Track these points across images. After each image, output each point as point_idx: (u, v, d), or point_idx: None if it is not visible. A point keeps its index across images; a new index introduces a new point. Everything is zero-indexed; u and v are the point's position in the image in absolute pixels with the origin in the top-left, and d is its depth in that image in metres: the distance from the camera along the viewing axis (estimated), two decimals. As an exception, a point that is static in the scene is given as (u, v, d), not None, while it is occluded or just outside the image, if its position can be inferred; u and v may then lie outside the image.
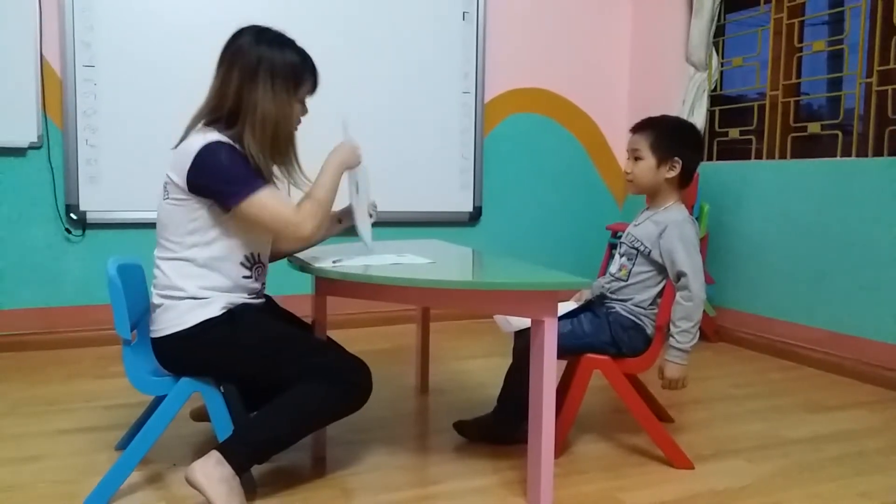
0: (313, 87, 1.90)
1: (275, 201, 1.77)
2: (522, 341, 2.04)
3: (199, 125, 1.82)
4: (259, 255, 1.90)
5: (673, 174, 2.14)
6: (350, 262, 1.92)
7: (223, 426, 1.82)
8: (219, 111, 1.80)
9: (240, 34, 1.83)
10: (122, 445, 2.11)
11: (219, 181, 1.73)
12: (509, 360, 2.20)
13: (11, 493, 1.87)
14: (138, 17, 3.40)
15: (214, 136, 1.75)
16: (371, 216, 2.15)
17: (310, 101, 1.92)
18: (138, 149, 3.38)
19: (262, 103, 1.77)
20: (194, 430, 2.25)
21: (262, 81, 1.77)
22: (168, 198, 1.79)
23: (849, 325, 3.13)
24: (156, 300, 1.82)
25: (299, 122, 1.91)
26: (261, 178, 1.77)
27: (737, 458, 2.18)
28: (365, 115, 3.81)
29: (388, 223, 3.86)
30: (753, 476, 2.04)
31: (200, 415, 2.20)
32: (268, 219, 1.76)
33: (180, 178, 1.74)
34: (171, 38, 3.44)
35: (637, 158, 2.17)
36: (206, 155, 1.72)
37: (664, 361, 2.08)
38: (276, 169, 1.87)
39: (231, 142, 1.76)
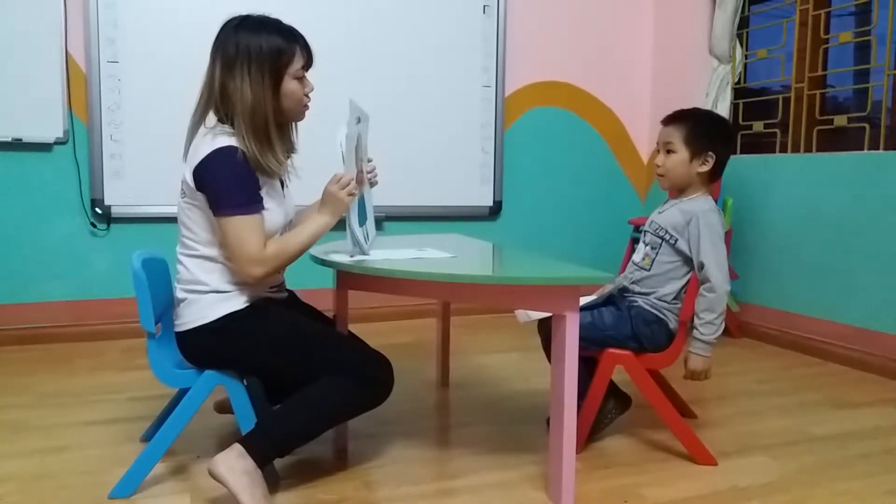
0: (307, 61, 1.85)
1: (250, 231, 1.72)
2: (547, 326, 2.04)
3: (214, 123, 1.81)
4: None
5: (706, 168, 2.11)
6: (370, 257, 1.92)
7: (246, 419, 1.84)
8: (209, 106, 1.80)
9: (222, 27, 1.82)
10: (147, 437, 2.13)
11: (215, 187, 1.73)
12: (529, 354, 2.20)
13: (39, 482, 1.90)
14: (161, 12, 3.43)
15: (230, 140, 1.74)
16: (370, 182, 2.05)
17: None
18: (162, 144, 3.40)
19: (241, 93, 1.75)
20: (218, 422, 2.27)
21: (238, 71, 1.75)
22: (185, 197, 1.81)
23: (875, 321, 3.08)
24: (180, 294, 1.83)
25: (308, 99, 1.88)
26: (258, 201, 1.75)
27: (761, 454, 2.16)
28: (385, 109, 3.81)
29: (408, 217, 3.89)
30: (777, 473, 2.02)
31: (224, 407, 2.22)
32: (232, 242, 1.72)
33: (190, 177, 1.75)
34: (194, 34, 3.45)
35: (669, 151, 2.14)
36: (215, 157, 1.71)
37: (687, 353, 2.06)
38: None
39: (241, 147, 1.75)
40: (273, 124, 1.80)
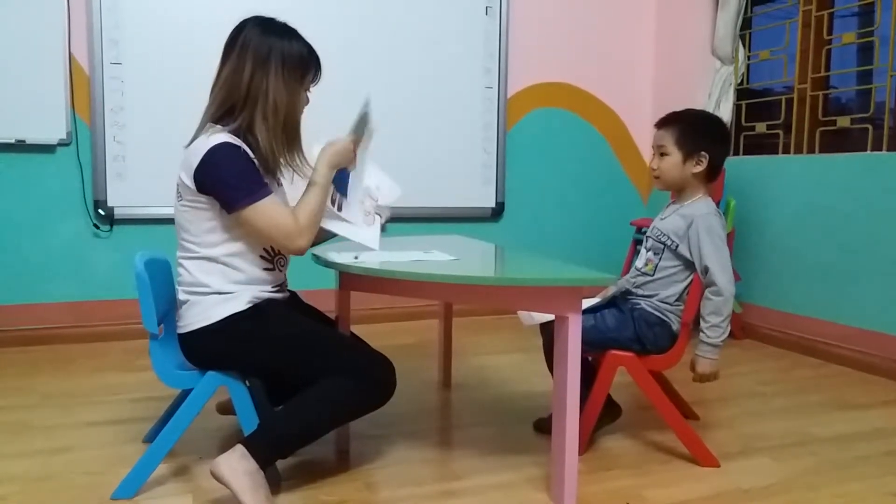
0: (316, 77, 1.91)
1: (276, 210, 1.75)
2: (549, 331, 2.03)
3: (209, 123, 1.82)
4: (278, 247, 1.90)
5: (700, 169, 2.11)
6: (373, 258, 1.92)
7: (248, 420, 1.84)
8: (230, 101, 1.80)
9: (244, 25, 1.84)
10: (150, 438, 2.13)
11: (224, 184, 1.73)
12: (531, 355, 2.20)
13: (42, 483, 1.90)
14: (165, 14, 3.44)
15: (223, 136, 1.75)
16: (377, 217, 2.05)
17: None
18: (165, 145, 3.40)
19: (273, 90, 1.78)
20: (220, 423, 2.28)
21: (273, 69, 1.78)
22: (182, 200, 1.80)
23: (878, 322, 3.08)
24: (181, 296, 1.84)
25: (301, 112, 1.92)
26: (265, 184, 1.76)
27: (763, 456, 2.15)
28: (387, 110, 3.80)
29: (410, 218, 3.88)
30: (780, 474, 2.02)
31: (226, 408, 2.22)
32: (266, 227, 1.74)
33: (189, 179, 1.75)
34: (197, 35, 3.47)
35: (663, 154, 2.14)
36: (214, 155, 1.72)
37: (695, 356, 2.06)
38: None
39: (239, 143, 1.76)
40: (298, 124, 1.88)
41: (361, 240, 1.96)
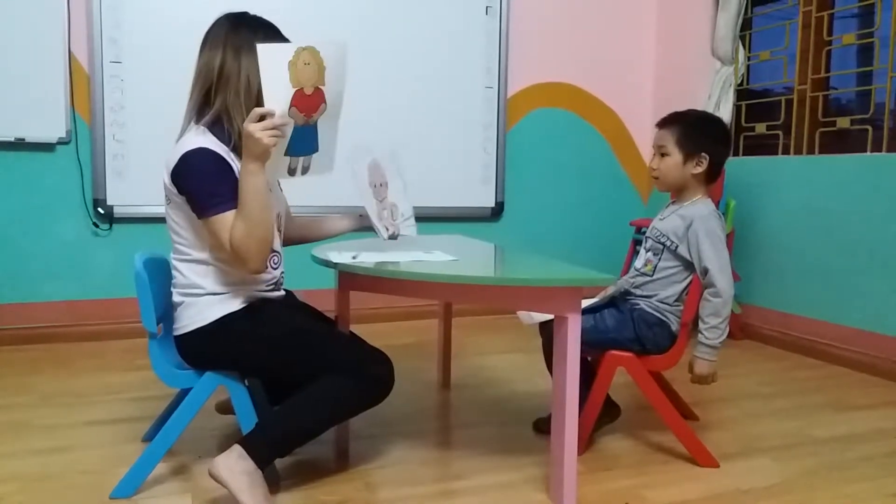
0: None
1: (223, 231, 1.68)
2: (549, 330, 2.03)
3: (192, 121, 1.81)
4: (271, 245, 1.88)
5: (700, 170, 2.11)
6: (371, 258, 1.92)
7: (248, 419, 1.84)
8: (205, 87, 1.79)
9: (216, 21, 1.86)
10: (149, 437, 2.13)
11: (194, 189, 1.71)
12: (530, 355, 2.20)
13: (41, 483, 1.90)
14: (164, 13, 3.43)
15: (201, 140, 1.73)
16: (388, 226, 2.02)
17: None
18: (165, 144, 3.32)
19: (244, 68, 1.75)
20: (219, 422, 2.27)
21: (244, 54, 1.76)
22: (170, 203, 1.80)
23: (878, 323, 3.08)
24: (176, 298, 1.83)
25: None
26: (234, 196, 1.69)
27: (763, 456, 2.15)
28: (388, 110, 3.82)
29: (410, 218, 3.88)
30: (780, 475, 2.02)
31: (226, 408, 2.21)
32: (217, 245, 1.73)
33: (169, 180, 1.75)
34: (197, 34, 3.44)
35: (663, 154, 2.14)
36: (188, 160, 1.71)
37: (693, 357, 2.05)
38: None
39: (218, 147, 1.73)
40: None
41: (375, 223, 1.97)
